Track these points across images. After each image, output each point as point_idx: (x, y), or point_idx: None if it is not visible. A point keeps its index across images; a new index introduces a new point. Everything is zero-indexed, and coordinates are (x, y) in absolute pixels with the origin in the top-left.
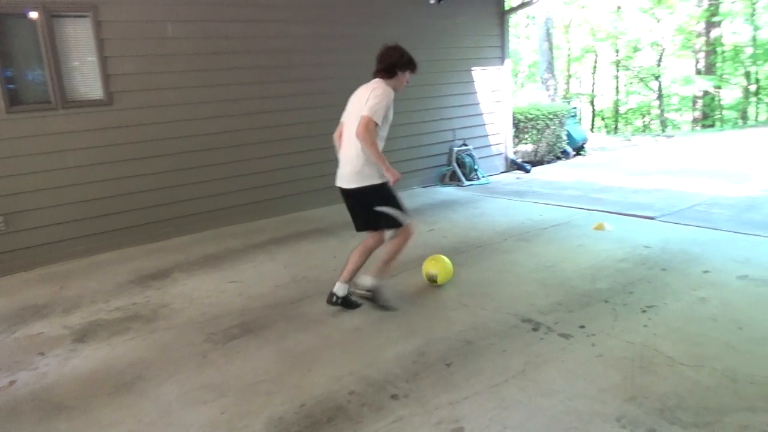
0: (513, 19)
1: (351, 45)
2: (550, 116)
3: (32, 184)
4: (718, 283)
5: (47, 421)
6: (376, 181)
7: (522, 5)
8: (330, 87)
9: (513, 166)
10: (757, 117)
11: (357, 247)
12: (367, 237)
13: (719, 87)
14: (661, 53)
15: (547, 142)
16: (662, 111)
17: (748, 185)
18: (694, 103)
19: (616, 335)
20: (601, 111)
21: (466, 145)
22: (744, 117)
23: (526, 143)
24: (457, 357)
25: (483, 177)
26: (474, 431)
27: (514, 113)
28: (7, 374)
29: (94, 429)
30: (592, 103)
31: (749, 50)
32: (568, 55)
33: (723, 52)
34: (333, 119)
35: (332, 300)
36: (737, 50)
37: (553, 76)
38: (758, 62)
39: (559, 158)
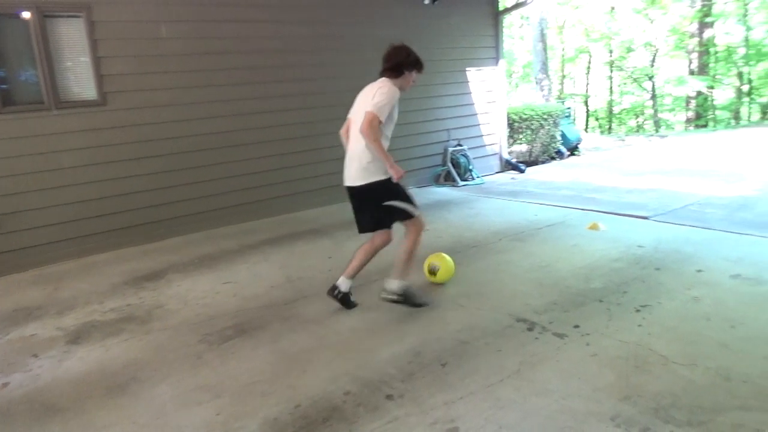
0: (507, 20)
1: (345, 45)
2: (545, 116)
3: (25, 185)
4: (711, 283)
5: (41, 424)
6: (382, 176)
7: (516, 6)
8: (324, 87)
9: (508, 166)
10: (749, 117)
11: (364, 244)
12: (374, 236)
13: (712, 87)
14: (655, 54)
15: (541, 143)
16: (656, 111)
17: (741, 185)
18: (688, 103)
19: (611, 335)
20: (595, 111)
21: (460, 145)
22: (737, 117)
23: (521, 143)
24: (453, 357)
25: (478, 177)
26: (469, 431)
27: (508, 113)
28: (0, 376)
29: (88, 431)
30: (586, 103)
31: (742, 51)
32: (562, 56)
33: (716, 52)
34: (327, 120)
35: (333, 293)
36: (730, 51)
37: (548, 76)
38: (751, 63)
39: (553, 158)
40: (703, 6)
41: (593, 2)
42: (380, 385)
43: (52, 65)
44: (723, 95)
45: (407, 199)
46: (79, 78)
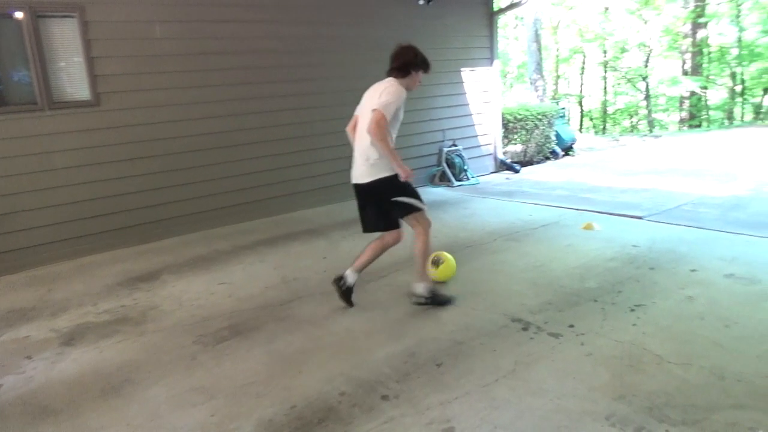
0: (502, 20)
1: (341, 46)
2: (539, 117)
3: (18, 185)
4: (705, 282)
5: (34, 426)
6: (389, 173)
7: (510, 6)
8: (320, 88)
9: (502, 166)
10: (742, 117)
11: (375, 240)
12: (385, 233)
13: (706, 87)
14: (649, 54)
15: (536, 143)
16: (650, 111)
17: (734, 185)
18: (681, 103)
19: (605, 334)
20: (590, 111)
21: (455, 145)
22: (730, 117)
23: (516, 144)
24: (448, 357)
25: (472, 177)
26: (465, 431)
27: (503, 114)
28: None
29: None
30: (580, 103)
31: (735, 51)
32: (557, 56)
33: (709, 53)
34: (323, 120)
35: (339, 282)
36: (723, 51)
37: (542, 76)
38: (744, 63)
39: (548, 158)
40: (697, 7)
41: (587, 3)
42: (376, 386)
43: (46, 66)
44: (716, 95)
45: (414, 194)
46: (73, 78)
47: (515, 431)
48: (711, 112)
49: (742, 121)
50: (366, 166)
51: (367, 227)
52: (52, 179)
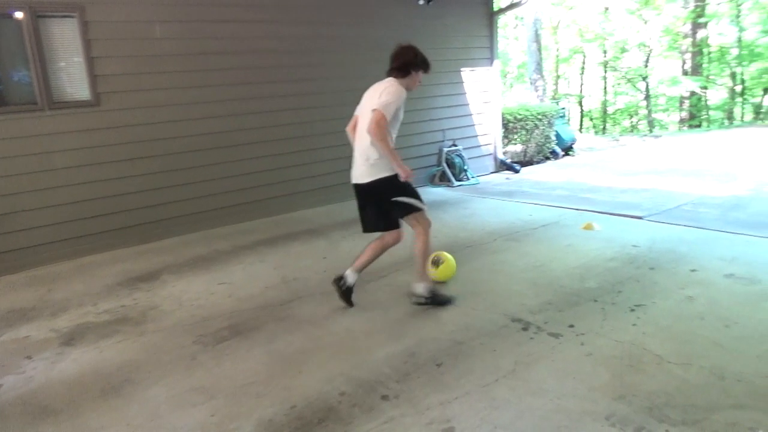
0: (502, 20)
1: (341, 46)
2: (539, 117)
3: (18, 185)
4: (705, 282)
5: (34, 426)
6: (389, 173)
7: (511, 6)
8: (320, 88)
9: (502, 166)
10: (742, 117)
11: (375, 240)
12: (385, 233)
13: (705, 87)
14: (649, 54)
15: (536, 143)
16: (650, 111)
17: (734, 185)
18: (681, 103)
19: (605, 334)
20: (590, 111)
21: (455, 145)
22: (730, 117)
23: (516, 143)
24: (448, 357)
25: (472, 177)
26: (465, 431)
27: (503, 114)
28: None
29: None
30: (580, 103)
31: (735, 51)
32: (557, 56)
33: (709, 53)
34: (323, 120)
35: (339, 282)
36: (723, 51)
37: (542, 76)
38: (743, 63)
39: (548, 158)
40: (697, 7)
41: (587, 3)
42: (376, 386)
43: (46, 66)
44: (716, 95)
45: (414, 194)
46: (73, 78)
47: (515, 431)
48: (711, 112)
49: (742, 121)
50: (366, 166)
51: (367, 227)
52: (52, 179)
